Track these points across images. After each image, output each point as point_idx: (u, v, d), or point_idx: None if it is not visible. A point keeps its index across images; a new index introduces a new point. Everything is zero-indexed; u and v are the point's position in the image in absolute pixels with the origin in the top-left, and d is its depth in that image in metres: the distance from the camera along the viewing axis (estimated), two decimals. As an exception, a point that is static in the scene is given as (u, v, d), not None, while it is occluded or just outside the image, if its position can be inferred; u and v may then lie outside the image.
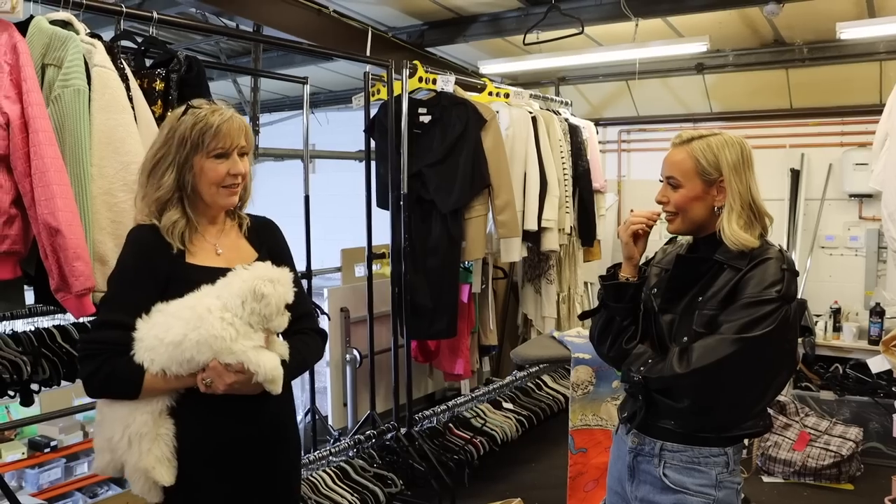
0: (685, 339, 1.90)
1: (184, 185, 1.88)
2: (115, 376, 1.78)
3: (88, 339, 1.88)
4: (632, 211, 2.13)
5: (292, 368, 1.90)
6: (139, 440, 1.79)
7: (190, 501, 1.89)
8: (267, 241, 2.06)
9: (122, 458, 1.82)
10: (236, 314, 1.77)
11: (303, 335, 2.01)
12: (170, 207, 1.88)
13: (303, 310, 2.02)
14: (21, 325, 3.24)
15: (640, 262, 2.10)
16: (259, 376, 1.78)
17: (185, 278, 1.84)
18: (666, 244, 2.20)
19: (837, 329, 5.41)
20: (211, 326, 1.75)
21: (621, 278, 2.06)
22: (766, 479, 4.56)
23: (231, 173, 1.89)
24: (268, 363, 1.79)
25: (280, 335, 1.96)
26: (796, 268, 1.94)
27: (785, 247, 5.86)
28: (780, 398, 4.82)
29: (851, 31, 4.23)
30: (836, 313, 5.47)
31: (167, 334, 1.76)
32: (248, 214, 2.08)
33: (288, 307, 1.87)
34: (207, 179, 1.88)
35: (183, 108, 1.90)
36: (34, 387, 3.08)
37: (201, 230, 1.94)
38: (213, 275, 1.86)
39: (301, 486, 2.50)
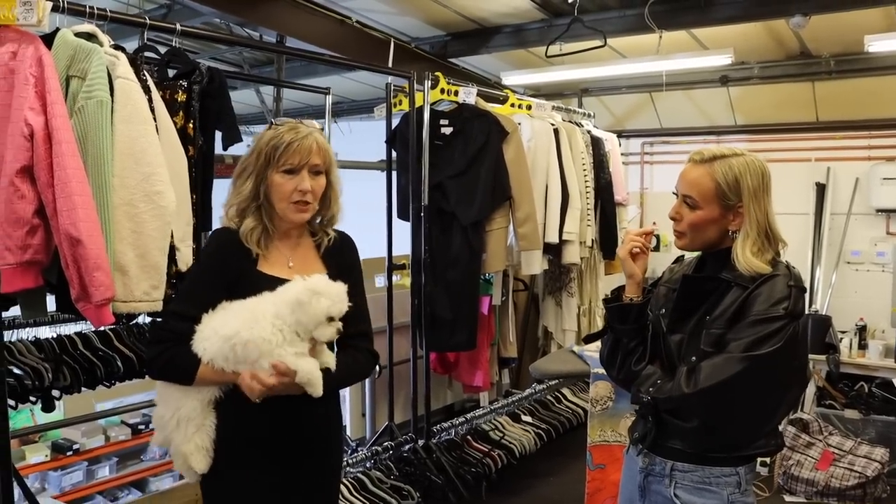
0: (693, 358, 1.88)
1: (259, 196, 2.00)
2: (174, 362, 1.93)
3: (158, 327, 2.10)
4: (626, 230, 2.13)
5: (335, 378, 2.00)
6: (186, 424, 1.95)
7: (223, 488, 2.01)
8: (337, 257, 2.14)
9: (170, 435, 1.99)
10: (285, 322, 1.90)
11: (354, 351, 2.11)
12: (248, 214, 2.01)
13: (359, 329, 2.13)
14: (46, 332, 3.27)
15: (648, 284, 2.08)
16: (297, 377, 1.88)
17: (253, 283, 1.97)
18: (673, 263, 2.18)
19: (863, 346, 5.32)
20: (262, 329, 1.88)
21: (625, 299, 2.04)
22: (788, 498, 4.49)
23: (298, 189, 1.98)
24: (304, 366, 1.89)
25: (335, 348, 2.09)
26: (809, 284, 1.92)
27: (809, 262, 5.82)
28: (803, 416, 4.76)
29: (879, 44, 4.19)
30: (862, 330, 5.38)
31: (223, 328, 1.90)
32: (335, 230, 2.17)
33: (344, 321, 1.97)
34: (277, 193, 1.99)
35: (269, 124, 2.05)
36: (55, 393, 3.11)
37: (276, 241, 2.06)
38: (277, 284, 1.98)
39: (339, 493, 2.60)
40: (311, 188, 1.99)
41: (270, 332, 1.87)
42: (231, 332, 1.88)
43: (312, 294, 1.90)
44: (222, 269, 2.00)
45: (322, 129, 2.08)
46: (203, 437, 1.96)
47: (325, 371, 1.96)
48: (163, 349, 1.95)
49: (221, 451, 1.97)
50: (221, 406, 1.98)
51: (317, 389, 1.91)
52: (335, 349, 2.10)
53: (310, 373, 1.90)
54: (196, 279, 2.07)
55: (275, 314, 1.90)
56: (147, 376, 2.08)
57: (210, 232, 2.88)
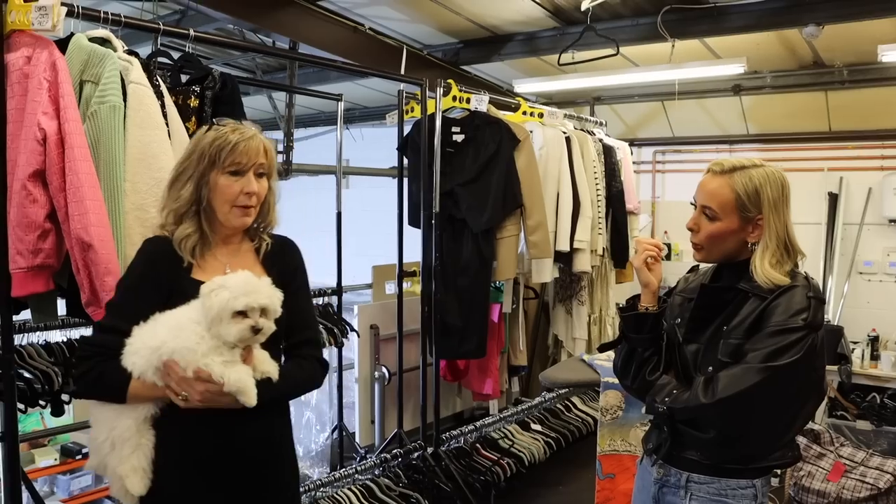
0: (710, 368, 1.86)
1: (200, 200, 1.89)
2: (102, 379, 1.81)
3: (85, 342, 1.93)
4: (636, 238, 2.11)
5: (277, 389, 1.87)
6: (121, 444, 1.82)
7: None
8: (279, 263, 2.02)
9: (105, 459, 1.85)
10: (206, 327, 1.78)
11: (301, 360, 1.99)
12: (185, 220, 1.90)
13: (306, 336, 2.02)
14: (56, 336, 3.28)
15: (662, 293, 2.07)
16: (225, 386, 1.76)
17: (186, 292, 1.84)
18: (688, 272, 2.16)
19: (875, 357, 5.28)
20: (186, 339, 1.76)
21: (640, 308, 2.02)
22: (799, 509, 4.46)
23: (245, 192, 1.88)
24: (233, 375, 1.77)
25: (283, 357, 1.96)
26: (825, 294, 1.90)
27: (821, 272, 5.79)
28: (815, 427, 4.72)
29: (893, 54, 4.16)
30: (874, 341, 5.34)
31: (151, 339, 1.79)
32: (273, 235, 2.05)
33: (289, 329, 1.89)
34: (221, 196, 1.88)
35: (209, 124, 1.93)
36: (64, 397, 3.11)
37: (214, 247, 1.95)
38: None
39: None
40: (256, 190, 1.90)
41: (195, 340, 1.76)
42: (158, 343, 1.77)
43: (212, 289, 1.77)
44: (153, 279, 1.87)
45: (262, 131, 1.97)
46: (140, 458, 1.82)
47: (266, 381, 1.83)
48: (91, 365, 1.81)
49: (160, 471, 1.84)
50: (158, 424, 1.85)
51: (249, 399, 1.77)
52: (281, 358, 1.98)
53: (239, 381, 1.77)
54: (126, 291, 1.90)
55: (196, 320, 1.79)
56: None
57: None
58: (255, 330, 1.78)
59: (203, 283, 1.83)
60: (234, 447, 1.88)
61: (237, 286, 1.77)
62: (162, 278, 1.87)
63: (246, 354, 1.82)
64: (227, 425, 1.84)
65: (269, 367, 1.87)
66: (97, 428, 1.87)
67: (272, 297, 1.83)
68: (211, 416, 1.80)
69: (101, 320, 1.92)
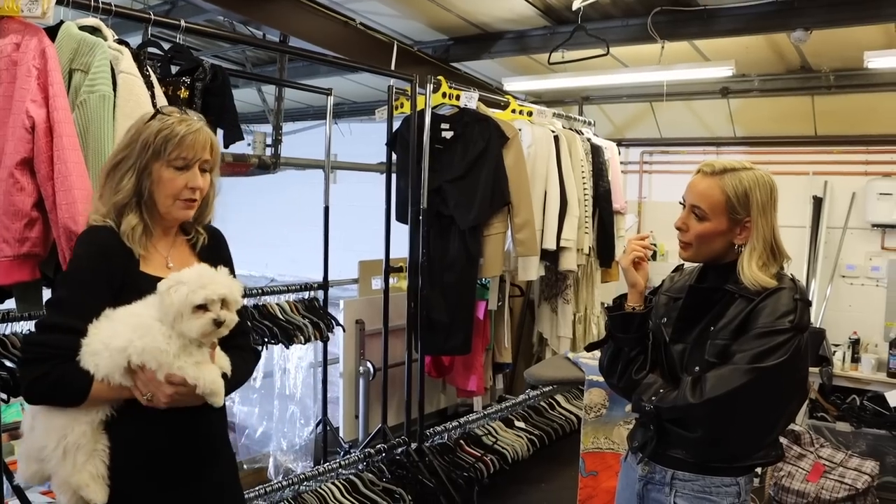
0: (697, 368, 1.88)
1: (141, 192, 1.81)
2: (63, 382, 1.69)
3: (34, 342, 1.77)
4: (627, 238, 2.14)
5: (233, 382, 1.86)
6: (75, 452, 1.71)
7: None
8: (214, 255, 1.98)
9: (52, 469, 1.74)
10: (169, 326, 1.72)
11: (242, 352, 1.96)
12: (127, 212, 1.81)
13: (242, 327, 1.96)
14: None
15: (647, 292, 2.09)
16: (198, 389, 1.71)
17: (137, 287, 1.78)
18: (673, 272, 2.19)
19: (856, 360, 5.34)
20: (154, 339, 1.69)
21: (627, 308, 2.04)
22: (778, 509, 4.49)
23: (189, 186, 1.82)
24: (207, 376, 1.73)
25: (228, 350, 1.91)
26: (809, 297, 1.93)
27: (805, 275, 5.83)
28: (795, 428, 4.76)
29: (879, 61, 4.21)
30: (855, 344, 5.41)
31: (113, 340, 1.69)
32: (205, 227, 2.00)
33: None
34: (164, 190, 1.81)
35: (152, 112, 1.85)
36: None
37: (155, 240, 1.88)
38: None
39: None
40: (201, 186, 1.84)
41: (163, 340, 1.69)
42: (124, 343, 1.68)
43: (169, 286, 1.71)
44: (108, 273, 1.76)
45: (207, 122, 1.89)
46: (98, 465, 1.72)
47: (223, 376, 1.80)
48: (47, 368, 1.68)
49: (117, 476, 1.75)
50: (112, 427, 1.76)
51: (219, 400, 1.75)
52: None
53: (213, 383, 1.73)
54: (77, 287, 1.77)
55: (157, 318, 1.71)
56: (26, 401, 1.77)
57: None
58: (218, 323, 1.73)
59: (151, 276, 1.79)
60: (186, 443, 1.84)
61: (193, 280, 1.72)
62: (116, 272, 1.78)
63: (212, 352, 1.79)
64: (179, 422, 1.79)
65: (224, 361, 1.84)
66: (44, 436, 1.73)
67: (231, 287, 1.78)
68: (161, 414, 1.74)
69: (48, 318, 1.77)
